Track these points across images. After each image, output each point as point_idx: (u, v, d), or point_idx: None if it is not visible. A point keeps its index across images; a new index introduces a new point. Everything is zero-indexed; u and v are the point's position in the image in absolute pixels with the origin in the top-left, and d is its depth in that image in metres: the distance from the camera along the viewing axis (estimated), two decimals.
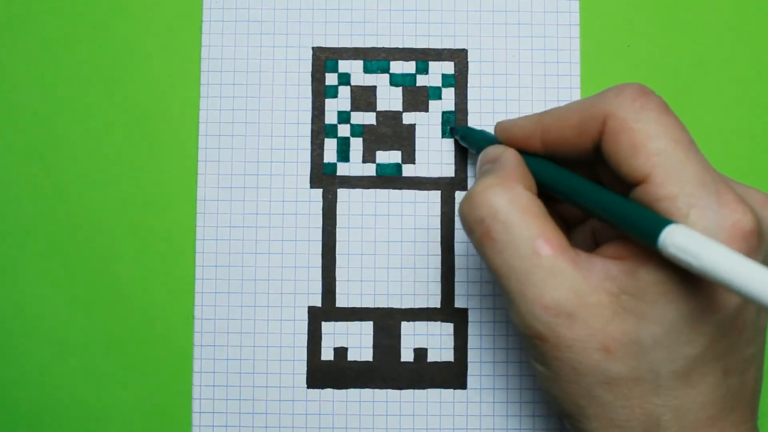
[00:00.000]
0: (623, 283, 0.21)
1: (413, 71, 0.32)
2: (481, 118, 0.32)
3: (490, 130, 0.32)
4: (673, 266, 0.20)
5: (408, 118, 0.32)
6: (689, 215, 0.20)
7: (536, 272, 0.22)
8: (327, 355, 0.31)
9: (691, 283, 0.21)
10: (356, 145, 0.32)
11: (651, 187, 0.21)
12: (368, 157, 0.32)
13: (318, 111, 0.32)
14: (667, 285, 0.20)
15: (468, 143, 0.30)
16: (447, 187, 0.31)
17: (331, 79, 0.32)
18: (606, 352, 0.21)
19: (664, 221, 0.20)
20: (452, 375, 0.31)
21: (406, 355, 0.31)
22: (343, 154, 0.32)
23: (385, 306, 0.31)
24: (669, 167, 0.21)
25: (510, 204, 0.22)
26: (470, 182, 0.31)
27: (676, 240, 0.19)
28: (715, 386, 0.21)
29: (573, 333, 0.21)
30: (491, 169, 0.25)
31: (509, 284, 0.22)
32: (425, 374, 0.31)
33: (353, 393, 0.31)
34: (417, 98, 0.32)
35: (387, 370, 0.31)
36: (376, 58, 0.32)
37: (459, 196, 0.31)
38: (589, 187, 0.23)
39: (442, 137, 0.32)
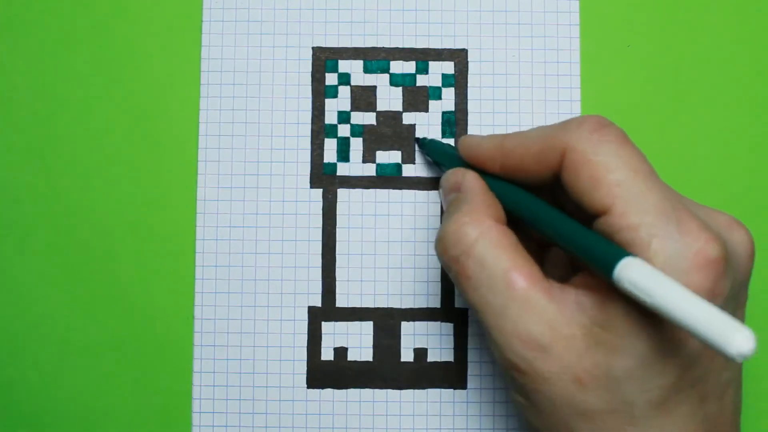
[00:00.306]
0: (594, 316, 0.21)
1: (413, 71, 0.32)
2: (481, 118, 0.32)
3: (490, 130, 0.32)
4: None
5: (408, 118, 0.32)
6: (651, 245, 0.20)
7: (511, 306, 0.22)
8: (327, 355, 0.31)
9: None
10: (356, 145, 0.32)
11: (612, 218, 0.21)
12: (368, 157, 0.32)
13: (318, 111, 0.32)
14: (635, 317, 0.20)
15: (431, 155, 0.30)
16: None
17: (331, 79, 0.32)
18: (580, 384, 0.21)
19: (621, 253, 0.20)
20: (452, 375, 0.31)
21: (406, 355, 0.31)
22: (343, 154, 0.32)
23: (385, 306, 0.31)
24: (629, 198, 0.21)
25: (482, 240, 0.23)
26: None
27: (630, 275, 0.19)
28: (691, 414, 0.21)
29: (549, 366, 0.21)
30: (458, 201, 0.25)
31: (487, 319, 0.22)
32: (425, 374, 0.31)
33: (353, 393, 0.31)
34: (417, 98, 0.32)
35: (387, 370, 0.31)
36: (376, 58, 0.32)
37: None
38: (549, 215, 0.23)
39: (442, 137, 0.32)
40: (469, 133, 0.31)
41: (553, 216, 0.23)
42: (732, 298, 0.21)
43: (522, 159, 0.24)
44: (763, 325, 0.31)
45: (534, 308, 0.21)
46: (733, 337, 0.17)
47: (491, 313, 0.22)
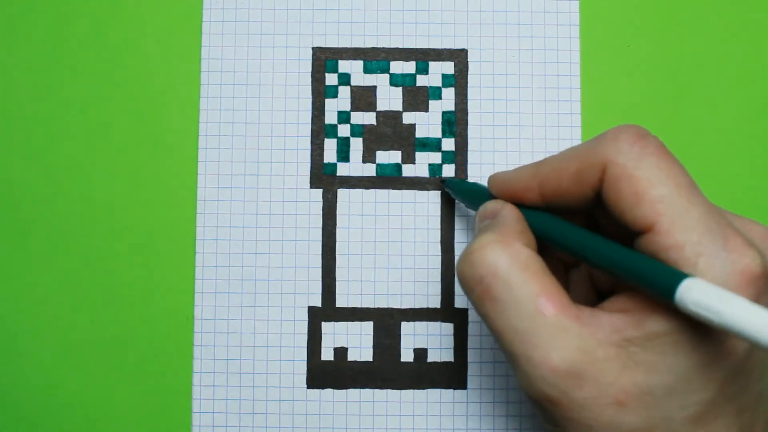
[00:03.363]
0: (630, 335, 0.21)
1: (413, 71, 0.32)
2: (481, 118, 0.32)
3: (490, 130, 0.32)
4: (680, 315, 0.20)
5: (408, 118, 0.32)
6: (698, 264, 0.20)
7: (541, 333, 0.21)
8: (327, 355, 0.31)
9: (700, 330, 0.20)
10: (356, 145, 0.32)
11: (656, 236, 0.20)
12: (368, 157, 0.32)
13: (318, 111, 0.32)
14: (675, 335, 0.20)
15: (460, 197, 0.30)
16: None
17: (331, 79, 0.32)
18: (619, 405, 0.21)
19: (679, 275, 0.19)
20: (452, 375, 0.31)
21: (406, 355, 0.31)
22: (343, 154, 0.32)
23: (385, 306, 0.31)
24: (674, 215, 0.20)
25: (510, 261, 0.22)
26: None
27: (694, 297, 0.18)
28: (728, 426, 0.21)
29: (584, 392, 0.21)
30: (489, 225, 0.24)
31: (513, 347, 0.21)
32: (425, 374, 0.31)
33: (353, 393, 0.31)
34: (417, 98, 0.32)
35: (387, 370, 0.31)
36: (376, 58, 0.32)
37: None
38: (594, 242, 0.22)
39: (443, 137, 0.32)
40: (469, 133, 0.32)
41: (598, 242, 0.22)
42: None
43: (560, 182, 0.23)
44: None
45: (564, 334, 0.21)
46: None
47: (518, 340, 0.21)
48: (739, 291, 0.20)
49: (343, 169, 0.32)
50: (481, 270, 0.22)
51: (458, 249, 0.31)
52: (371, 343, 0.31)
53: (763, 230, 0.22)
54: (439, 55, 0.32)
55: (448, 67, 0.32)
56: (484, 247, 0.22)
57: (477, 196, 0.27)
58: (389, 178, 0.31)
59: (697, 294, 0.18)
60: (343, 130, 0.32)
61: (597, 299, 0.23)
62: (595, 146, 0.22)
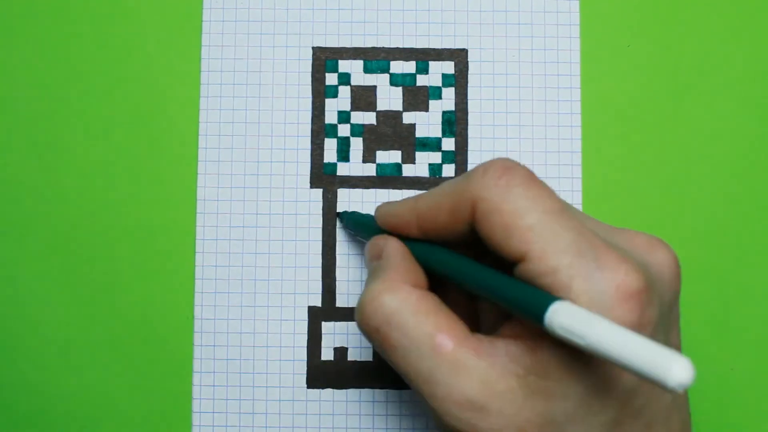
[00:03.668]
0: (527, 364, 0.21)
1: (413, 71, 0.32)
2: (481, 118, 0.32)
3: (490, 130, 0.32)
4: None
5: (408, 118, 0.32)
6: (572, 287, 0.20)
7: (441, 370, 0.21)
8: (327, 355, 0.31)
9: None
10: (356, 145, 0.32)
11: (530, 264, 0.20)
12: (368, 157, 0.32)
13: (318, 111, 0.32)
14: (567, 360, 0.20)
15: (353, 228, 0.30)
16: None
17: (331, 79, 0.32)
18: None
19: (548, 299, 0.19)
20: None
21: None
22: (343, 154, 0.32)
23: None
24: (544, 241, 0.20)
25: (401, 307, 0.22)
26: None
27: (560, 320, 0.18)
28: None
29: (490, 424, 0.21)
30: (376, 269, 0.24)
31: (419, 386, 0.22)
32: None
33: (353, 393, 0.31)
34: (417, 98, 0.32)
35: (387, 370, 0.31)
36: (376, 58, 0.32)
37: None
38: (472, 269, 0.22)
39: (443, 137, 0.32)
40: (469, 133, 0.32)
41: (476, 270, 0.22)
42: (662, 322, 0.21)
43: (436, 219, 0.23)
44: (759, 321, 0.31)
45: (464, 368, 0.21)
46: (671, 368, 0.16)
47: (422, 380, 0.22)
48: (616, 309, 0.19)
49: (343, 169, 0.32)
50: (376, 321, 0.22)
51: None
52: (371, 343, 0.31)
53: (646, 240, 0.22)
54: (439, 55, 0.32)
55: (448, 67, 0.32)
56: (374, 297, 0.23)
57: (367, 228, 0.28)
58: (389, 178, 0.31)
59: (563, 318, 0.18)
60: (343, 130, 0.32)
61: (503, 321, 0.23)
62: (465, 183, 0.22)
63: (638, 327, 0.20)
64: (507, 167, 0.22)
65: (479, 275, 0.22)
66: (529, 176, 0.22)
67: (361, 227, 0.29)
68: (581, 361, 0.20)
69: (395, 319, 0.22)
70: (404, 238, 0.25)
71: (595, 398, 0.20)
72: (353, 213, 0.31)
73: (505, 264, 0.22)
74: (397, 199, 0.27)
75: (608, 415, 0.20)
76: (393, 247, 0.25)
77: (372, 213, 0.31)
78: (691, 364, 0.16)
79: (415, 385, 0.22)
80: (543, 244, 0.20)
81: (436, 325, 0.22)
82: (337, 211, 0.31)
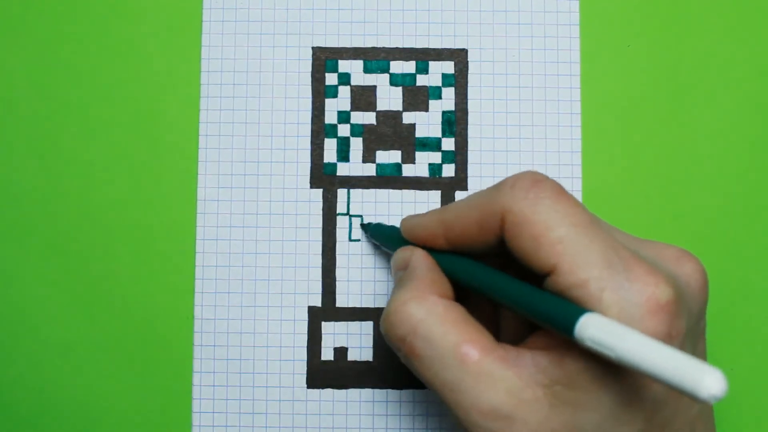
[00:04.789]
0: (554, 374, 0.21)
1: (413, 71, 0.32)
2: (481, 118, 0.32)
3: (490, 130, 0.32)
4: None
5: (408, 117, 0.32)
6: (602, 299, 0.20)
7: (467, 380, 0.21)
8: (327, 355, 0.31)
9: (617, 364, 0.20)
10: (356, 145, 0.32)
11: (560, 276, 0.20)
12: (368, 157, 0.32)
13: (318, 111, 0.32)
14: (595, 371, 0.20)
15: (378, 240, 0.30)
16: (447, 187, 0.31)
17: (331, 79, 0.32)
18: None
19: (577, 311, 0.19)
20: None
21: None
22: (343, 154, 0.32)
23: (385, 305, 0.31)
24: (574, 254, 0.20)
25: (427, 317, 0.22)
26: (470, 182, 0.31)
27: (590, 332, 0.19)
28: None
29: None
30: (403, 279, 0.24)
31: (445, 396, 0.22)
32: None
33: (353, 393, 0.31)
34: (417, 98, 0.32)
35: (387, 370, 0.31)
36: (376, 58, 0.32)
37: (459, 196, 0.31)
38: (500, 281, 0.22)
39: (443, 137, 0.32)
40: (469, 133, 0.32)
41: (505, 283, 0.22)
42: (690, 334, 0.21)
43: (464, 230, 0.24)
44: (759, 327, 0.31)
45: (491, 378, 0.21)
46: (703, 380, 0.16)
47: (448, 389, 0.22)
48: (645, 320, 0.20)
49: (343, 169, 0.32)
50: (402, 330, 0.23)
51: None
52: (371, 343, 0.31)
53: (674, 252, 0.22)
54: (439, 55, 0.32)
55: (448, 67, 0.32)
56: (400, 306, 0.23)
57: (392, 239, 0.28)
58: (389, 178, 0.31)
59: (593, 330, 0.19)
60: (343, 130, 0.32)
61: (528, 332, 0.23)
62: (493, 195, 0.22)
63: (667, 338, 0.20)
64: (536, 180, 0.22)
65: (508, 287, 0.22)
66: (558, 189, 0.22)
67: (387, 239, 0.29)
68: (610, 372, 0.20)
69: (421, 328, 0.22)
70: (430, 249, 0.25)
71: (624, 409, 0.20)
72: (378, 225, 0.30)
73: (531, 275, 0.22)
74: (422, 212, 0.27)
75: (636, 426, 0.20)
76: (419, 258, 0.25)
77: (374, 211, 0.31)
78: (723, 375, 0.16)
79: (440, 395, 0.22)
80: (572, 257, 0.20)
81: (462, 334, 0.22)
82: (361, 222, 0.31)
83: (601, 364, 0.20)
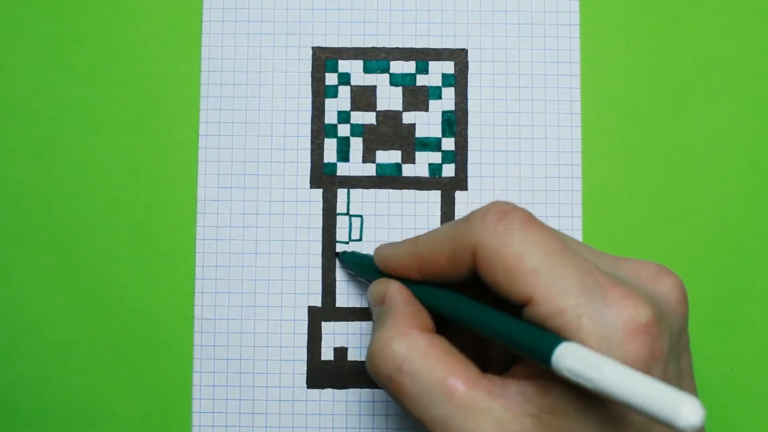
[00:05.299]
0: (541, 403, 0.21)
1: (413, 71, 0.32)
2: (481, 118, 0.32)
3: (490, 130, 0.32)
4: None
5: (408, 117, 0.32)
6: (581, 326, 0.20)
7: (455, 414, 0.21)
8: (327, 355, 0.31)
9: None
10: (356, 145, 0.32)
11: (537, 306, 0.20)
12: (368, 157, 0.32)
13: (318, 111, 0.32)
14: (581, 398, 0.20)
15: (353, 270, 0.30)
16: (447, 187, 0.31)
17: (331, 79, 0.32)
18: None
19: (554, 341, 0.19)
20: None
21: None
22: (343, 154, 0.32)
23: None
24: (549, 283, 0.20)
25: (410, 353, 0.22)
26: (470, 182, 0.31)
27: (568, 363, 0.19)
28: None
29: None
30: (382, 315, 0.24)
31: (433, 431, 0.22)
32: None
33: (353, 393, 0.31)
34: (417, 98, 0.32)
35: None
36: (376, 58, 0.32)
37: (459, 196, 0.31)
38: (477, 312, 0.22)
39: (443, 137, 0.32)
40: (469, 133, 0.32)
41: (481, 313, 0.22)
42: (672, 351, 0.21)
43: (436, 263, 0.24)
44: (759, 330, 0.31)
45: (478, 411, 0.21)
46: (681, 410, 0.16)
47: (437, 425, 0.21)
48: (626, 344, 0.19)
49: (343, 169, 0.32)
50: (387, 369, 0.22)
51: None
52: None
53: (651, 269, 0.22)
54: (439, 55, 0.32)
55: (448, 67, 0.32)
56: (383, 345, 0.23)
57: (366, 269, 0.28)
58: (389, 178, 0.31)
59: (570, 360, 0.18)
60: (343, 130, 0.32)
61: (515, 360, 0.23)
62: (464, 229, 0.22)
63: (650, 359, 0.20)
64: (505, 211, 0.22)
65: (484, 318, 0.22)
66: (528, 218, 0.22)
67: (362, 269, 0.29)
68: (594, 399, 0.20)
69: (406, 365, 0.22)
70: (405, 280, 0.25)
71: None
72: (352, 253, 0.30)
73: (509, 305, 0.22)
74: (394, 241, 0.27)
75: None
76: (396, 291, 0.25)
77: (374, 211, 0.31)
78: (700, 405, 0.16)
79: (429, 429, 0.22)
80: (547, 287, 0.20)
81: (447, 368, 0.22)
82: (336, 251, 0.31)
83: (585, 393, 0.20)
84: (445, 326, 0.24)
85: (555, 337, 0.20)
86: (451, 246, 0.23)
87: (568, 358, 0.19)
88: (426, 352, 0.22)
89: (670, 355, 0.21)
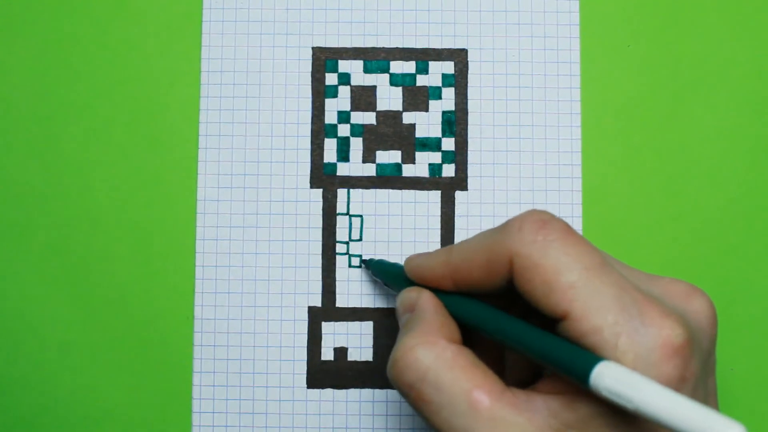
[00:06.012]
0: (567, 419, 0.20)
1: (413, 71, 0.32)
2: (481, 118, 0.32)
3: (490, 130, 0.32)
4: None
5: (408, 117, 0.32)
6: (618, 345, 0.19)
7: (478, 427, 0.21)
8: (327, 355, 0.31)
9: None
10: (356, 145, 0.32)
11: (573, 322, 0.20)
12: (368, 157, 0.32)
13: (318, 111, 0.32)
14: (607, 415, 0.20)
15: (381, 277, 0.30)
16: (447, 187, 0.31)
17: (331, 79, 0.32)
18: None
19: (592, 359, 0.19)
20: None
21: None
22: (343, 154, 0.32)
23: (385, 306, 0.31)
24: (586, 299, 0.20)
25: (436, 362, 0.22)
26: (470, 182, 0.31)
27: (606, 383, 0.18)
28: None
29: None
30: (410, 322, 0.24)
31: None
32: None
33: (353, 393, 0.31)
34: (417, 98, 0.32)
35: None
36: (376, 58, 0.32)
37: (459, 196, 0.31)
38: (511, 327, 0.22)
39: (443, 137, 0.32)
40: (469, 133, 0.32)
41: (517, 328, 0.22)
42: (702, 372, 0.21)
43: (471, 273, 0.23)
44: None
45: (503, 424, 0.21)
46: None
47: None
48: (661, 365, 0.19)
49: (343, 169, 0.32)
50: (410, 376, 0.22)
51: None
52: (371, 343, 0.31)
53: (683, 288, 0.22)
54: (439, 55, 0.32)
55: (448, 67, 0.32)
56: (408, 352, 0.22)
57: (395, 278, 0.28)
58: (389, 178, 0.31)
59: (608, 380, 0.18)
60: (343, 130, 0.32)
61: (534, 375, 0.23)
62: (501, 238, 0.22)
63: (681, 381, 0.19)
64: (543, 221, 0.21)
65: (520, 333, 0.22)
66: (566, 229, 0.21)
67: (390, 277, 0.29)
68: (622, 417, 0.20)
69: (430, 374, 0.22)
70: (436, 290, 0.25)
71: None
72: (380, 262, 0.30)
73: (539, 314, 0.21)
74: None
75: None
76: (426, 300, 0.24)
77: (374, 211, 0.31)
78: (744, 429, 0.16)
79: None
80: (585, 302, 0.20)
81: (473, 380, 0.21)
82: (363, 258, 0.31)
83: (613, 408, 0.20)
84: (468, 338, 0.24)
85: (593, 355, 0.19)
86: (486, 256, 0.22)
87: (607, 377, 0.18)
88: (452, 363, 0.22)
89: (700, 378, 0.20)
